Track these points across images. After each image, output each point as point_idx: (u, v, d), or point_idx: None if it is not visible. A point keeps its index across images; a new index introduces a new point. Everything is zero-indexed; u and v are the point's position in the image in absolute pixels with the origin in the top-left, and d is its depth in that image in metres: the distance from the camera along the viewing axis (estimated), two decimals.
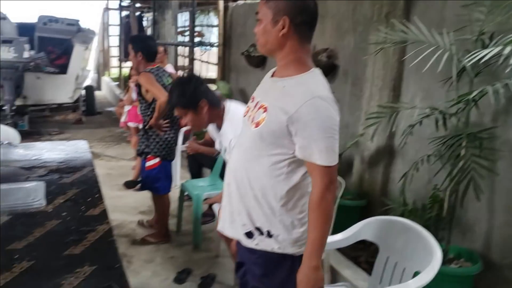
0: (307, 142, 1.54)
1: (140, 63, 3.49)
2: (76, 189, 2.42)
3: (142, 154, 3.64)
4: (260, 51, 1.70)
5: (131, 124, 5.69)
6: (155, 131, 3.51)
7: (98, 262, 1.67)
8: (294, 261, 1.67)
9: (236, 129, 2.21)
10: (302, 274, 1.60)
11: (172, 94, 2.70)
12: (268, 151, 1.62)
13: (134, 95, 5.30)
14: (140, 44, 3.51)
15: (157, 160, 3.52)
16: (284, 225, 1.65)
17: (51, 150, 3.21)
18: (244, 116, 1.78)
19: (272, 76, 1.70)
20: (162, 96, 3.31)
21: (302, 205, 1.66)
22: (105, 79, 12.91)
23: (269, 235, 1.67)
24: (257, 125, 1.62)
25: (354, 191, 3.75)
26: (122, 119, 5.93)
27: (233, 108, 2.71)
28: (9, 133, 4.00)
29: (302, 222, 1.66)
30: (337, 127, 1.56)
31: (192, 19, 5.22)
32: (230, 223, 1.79)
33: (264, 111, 1.61)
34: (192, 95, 2.58)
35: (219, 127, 2.70)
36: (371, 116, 3.04)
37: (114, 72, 13.92)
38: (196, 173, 4.31)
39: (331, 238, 2.30)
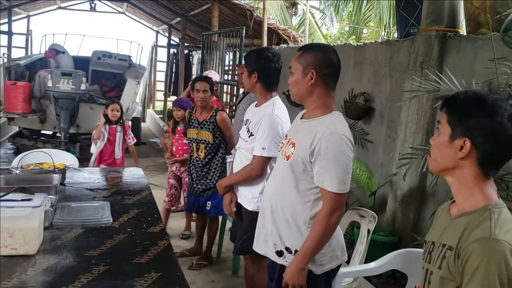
0: (322, 171, 1.86)
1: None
2: (137, 209, 2.75)
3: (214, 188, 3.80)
4: (293, 99, 2.07)
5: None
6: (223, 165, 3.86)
7: (162, 270, 1.96)
8: (315, 278, 1.94)
9: (267, 121, 2.66)
10: (289, 270, 1.91)
11: (253, 50, 2.94)
12: (298, 181, 1.95)
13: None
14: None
15: None
16: None
17: (112, 175, 3.58)
18: (279, 151, 2.12)
19: (302, 118, 2.05)
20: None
21: None
22: (150, 111, 13.56)
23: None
24: (288, 158, 1.97)
25: (387, 228, 3.94)
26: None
27: (279, 104, 2.89)
28: (69, 158, 4.41)
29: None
30: (350, 162, 1.87)
31: (240, 60, 5.68)
32: (264, 242, 2.11)
33: (293, 146, 1.96)
34: (253, 62, 2.78)
35: (258, 103, 2.89)
36: (404, 157, 3.28)
37: (158, 105, 14.61)
38: None
39: (365, 266, 2.53)
